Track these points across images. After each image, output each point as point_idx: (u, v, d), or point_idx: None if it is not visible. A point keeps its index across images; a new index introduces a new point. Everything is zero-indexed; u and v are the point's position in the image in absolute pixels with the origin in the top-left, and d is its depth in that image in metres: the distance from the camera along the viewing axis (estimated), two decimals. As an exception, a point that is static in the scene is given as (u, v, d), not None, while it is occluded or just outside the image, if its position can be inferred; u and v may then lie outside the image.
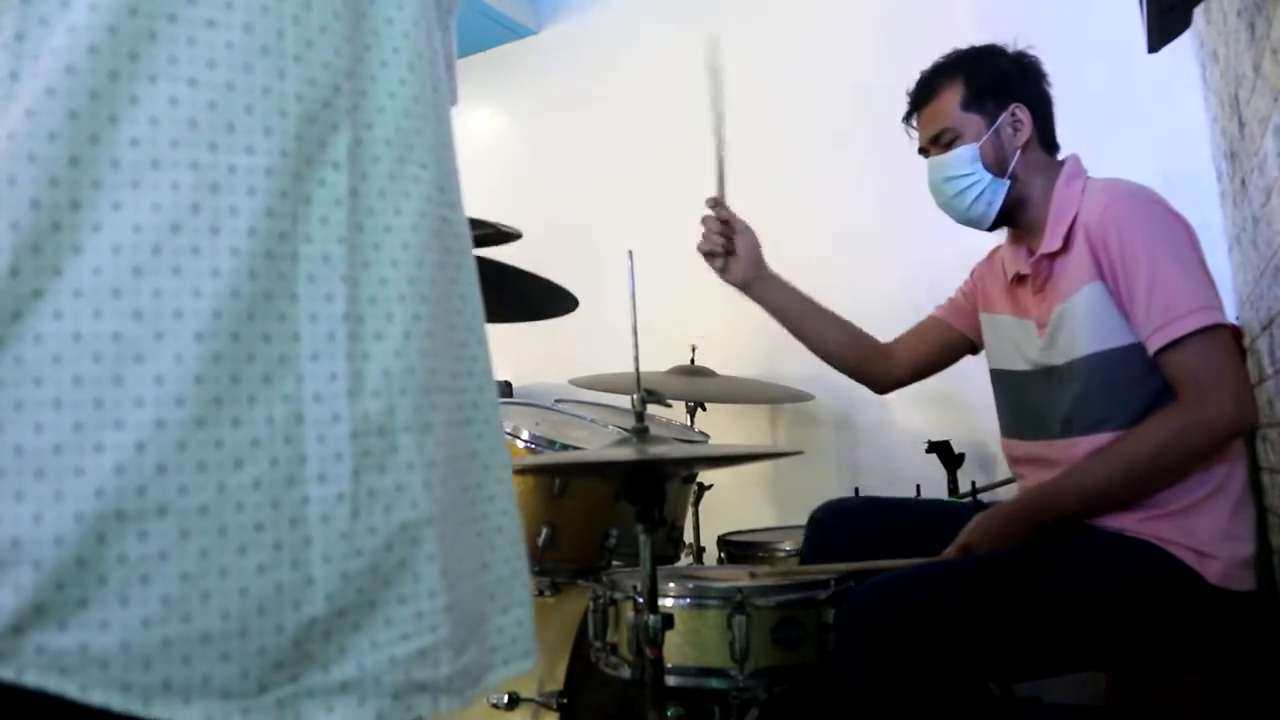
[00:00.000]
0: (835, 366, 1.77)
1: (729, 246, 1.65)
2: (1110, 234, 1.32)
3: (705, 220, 1.67)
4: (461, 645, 0.62)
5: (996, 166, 1.45)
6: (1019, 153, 1.46)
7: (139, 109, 0.53)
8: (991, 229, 1.52)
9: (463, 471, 0.67)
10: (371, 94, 0.63)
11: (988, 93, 1.46)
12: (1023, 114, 1.46)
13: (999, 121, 1.46)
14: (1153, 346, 1.28)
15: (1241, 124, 1.63)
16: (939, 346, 1.73)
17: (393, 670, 0.57)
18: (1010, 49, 1.51)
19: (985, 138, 1.45)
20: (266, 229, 0.55)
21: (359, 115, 0.62)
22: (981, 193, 1.46)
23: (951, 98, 1.48)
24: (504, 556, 0.69)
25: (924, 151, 1.53)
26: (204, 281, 0.53)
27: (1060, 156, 1.51)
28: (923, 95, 1.52)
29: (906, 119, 1.56)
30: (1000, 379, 1.57)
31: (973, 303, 1.67)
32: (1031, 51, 1.52)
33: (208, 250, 0.53)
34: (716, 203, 1.65)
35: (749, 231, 1.67)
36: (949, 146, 1.47)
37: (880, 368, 1.75)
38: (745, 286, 1.68)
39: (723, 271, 1.67)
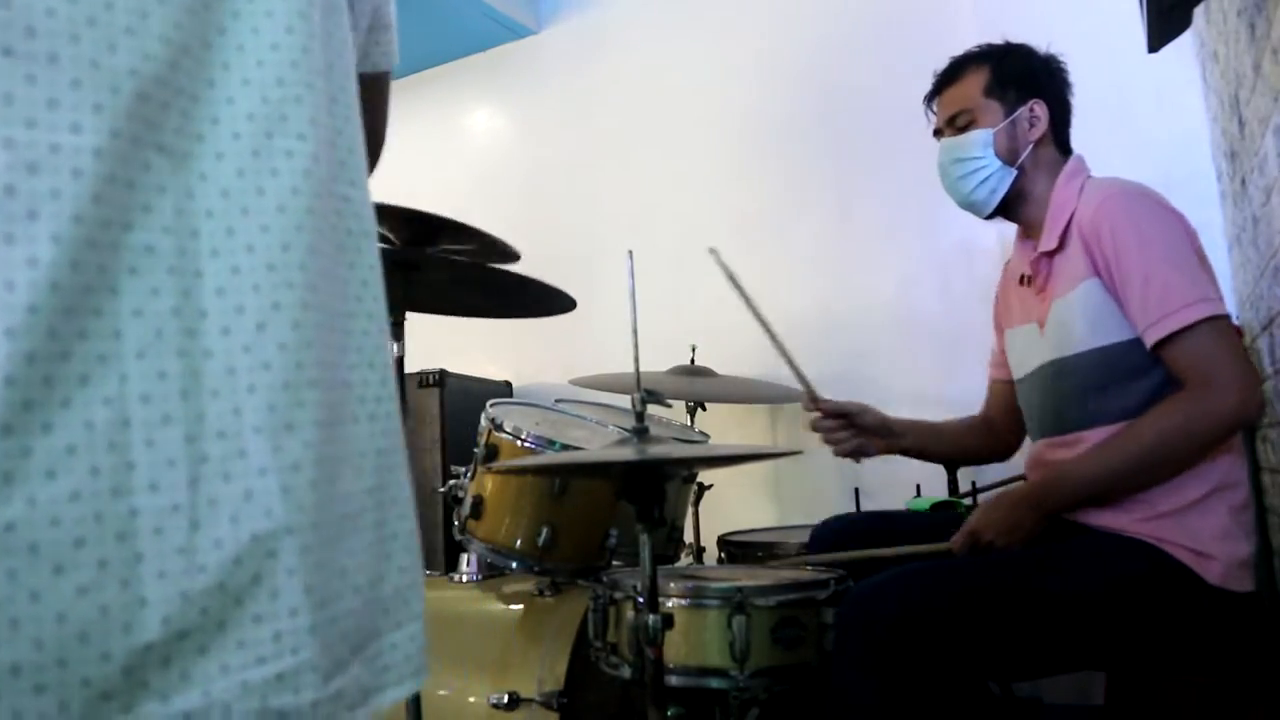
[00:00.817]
0: (970, 464, 1.88)
1: (858, 433, 1.61)
2: (1103, 230, 1.33)
3: (818, 425, 1.61)
4: (335, 666, 0.57)
5: (1007, 155, 1.47)
6: (1031, 147, 1.47)
7: None
8: (990, 217, 1.53)
9: (357, 473, 0.61)
10: (236, 66, 0.57)
11: (1011, 83, 1.48)
12: (1041, 110, 1.47)
13: (1017, 113, 1.47)
14: (1150, 340, 1.28)
15: (1241, 124, 1.63)
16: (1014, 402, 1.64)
17: (246, 697, 0.52)
18: (1041, 51, 1.52)
19: (1001, 126, 1.46)
20: (93, 215, 0.50)
21: (216, 90, 0.56)
22: (987, 178, 1.47)
23: (976, 82, 1.49)
24: (399, 566, 0.63)
25: (938, 134, 1.55)
26: (18, 272, 0.47)
27: None
28: (948, 77, 1.54)
29: (928, 100, 1.57)
30: (1020, 386, 1.57)
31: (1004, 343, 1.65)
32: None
33: (23, 238, 0.48)
34: (814, 401, 1.60)
35: (863, 408, 1.62)
36: (964, 129, 1.48)
37: (998, 444, 1.73)
38: (888, 450, 1.66)
39: (866, 455, 1.63)
